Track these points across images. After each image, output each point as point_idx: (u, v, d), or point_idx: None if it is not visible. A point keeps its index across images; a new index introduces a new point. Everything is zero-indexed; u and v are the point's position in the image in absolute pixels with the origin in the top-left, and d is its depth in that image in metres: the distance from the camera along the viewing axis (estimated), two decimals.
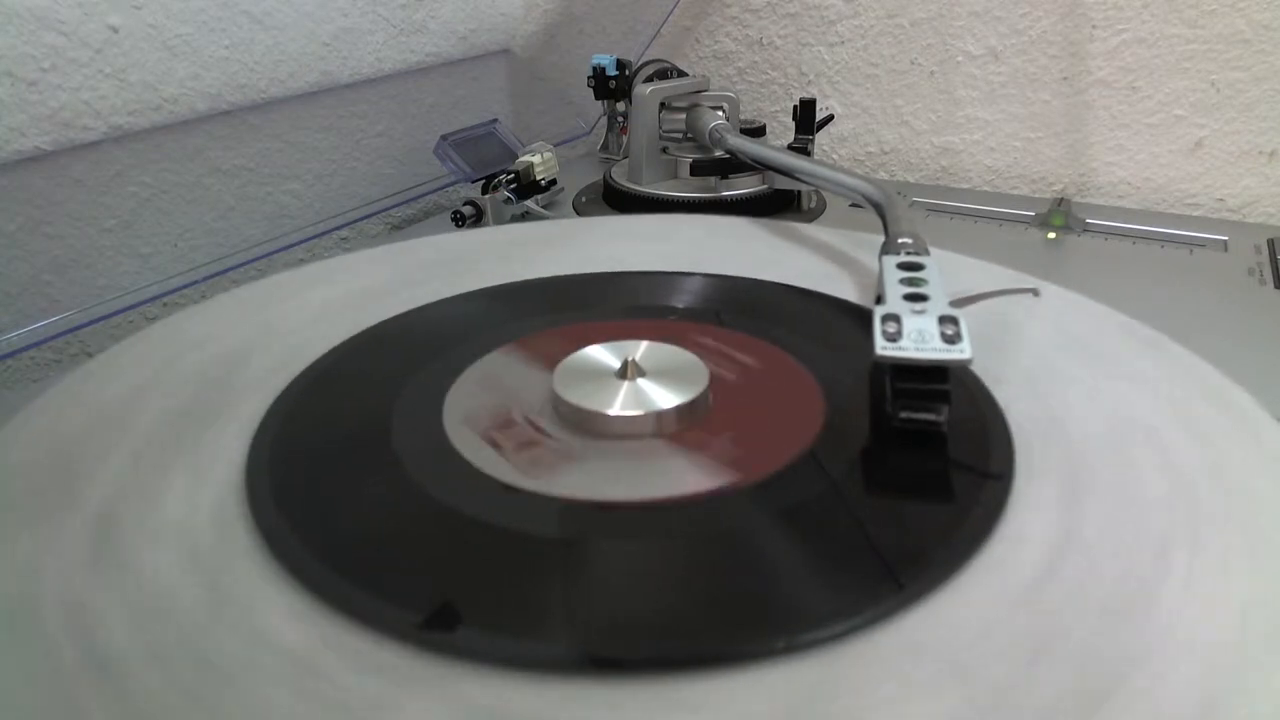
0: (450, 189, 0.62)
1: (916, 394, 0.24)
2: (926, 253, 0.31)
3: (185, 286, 0.46)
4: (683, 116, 0.53)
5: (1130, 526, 0.21)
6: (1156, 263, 0.45)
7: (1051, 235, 0.49)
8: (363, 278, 0.36)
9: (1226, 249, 0.47)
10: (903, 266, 0.28)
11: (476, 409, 0.26)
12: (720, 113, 0.52)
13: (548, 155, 0.54)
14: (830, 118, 0.60)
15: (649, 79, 0.60)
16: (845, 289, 0.34)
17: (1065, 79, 0.60)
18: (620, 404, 0.25)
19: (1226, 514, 0.21)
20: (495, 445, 0.25)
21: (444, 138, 0.54)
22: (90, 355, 0.45)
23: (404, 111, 0.59)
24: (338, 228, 0.56)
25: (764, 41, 0.71)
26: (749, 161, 0.49)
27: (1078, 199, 0.58)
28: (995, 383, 0.27)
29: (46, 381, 0.38)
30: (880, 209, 0.37)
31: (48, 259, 0.42)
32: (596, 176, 0.59)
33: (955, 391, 0.24)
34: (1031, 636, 0.17)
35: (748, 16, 0.71)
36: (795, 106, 0.54)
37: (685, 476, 0.23)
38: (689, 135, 0.54)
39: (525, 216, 0.51)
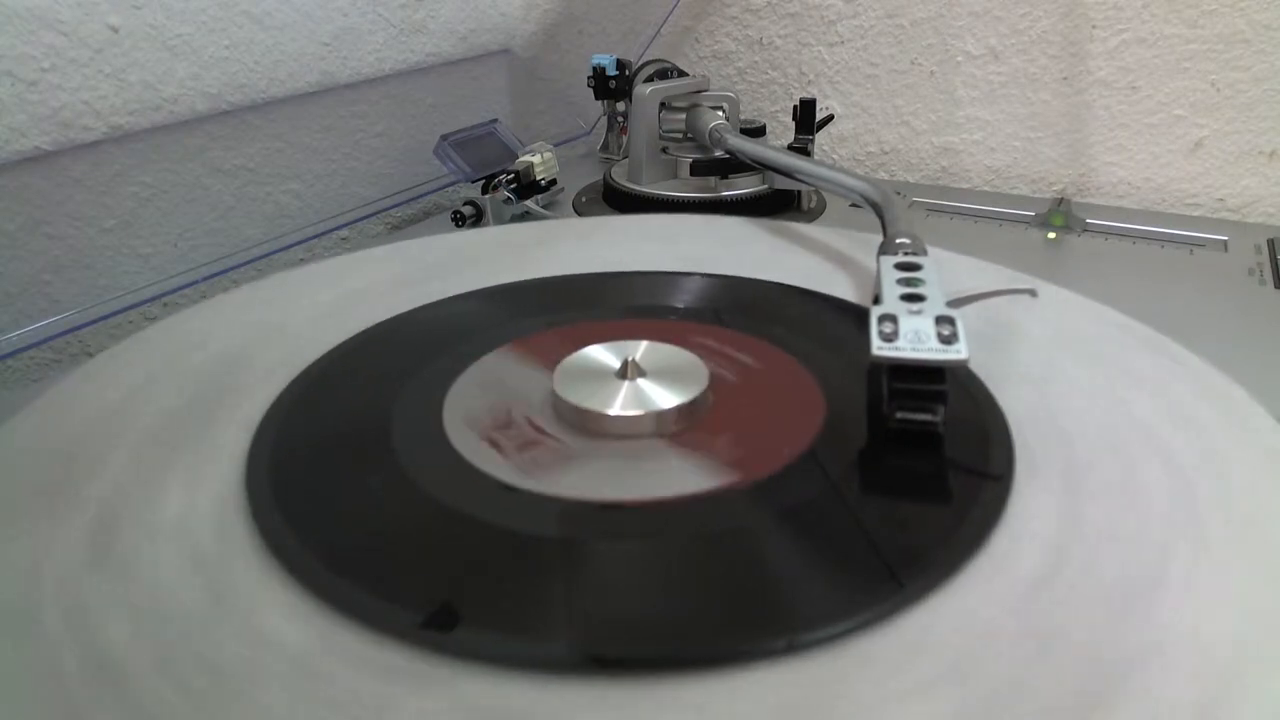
0: (450, 189, 0.62)
1: (913, 394, 0.24)
2: (924, 253, 0.31)
3: (185, 286, 0.46)
4: (683, 116, 0.53)
5: (1130, 526, 0.21)
6: (1156, 263, 0.45)
7: (1051, 235, 0.49)
8: (363, 277, 0.36)
9: (1226, 249, 0.47)
10: (900, 267, 0.28)
11: (476, 409, 0.27)
12: (720, 113, 0.52)
13: (548, 155, 0.54)
14: (830, 118, 0.60)
15: (649, 79, 0.60)
16: (844, 289, 0.34)
17: (1065, 79, 0.60)
18: (620, 404, 0.25)
19: (1226, 514, 0.21)
20: (495, 445, 0.25)
21: (444, 138, 0.54)
22: (90, 355, 0.45)
23: (404, 111, 0.59)
24: (338, 228, 0.56)
25: (764, 41, 0.71)
26: (749, 161, 0.49)
27: (1078, 199, 0.58)
28: (994, 383, 0.27)
29: (46, 381, 0.38)
30: (878, 209, 0.37)
31: (48, 259, 0.42)
32: (596, 176, 0.59)
33: (955, 391, 0.24)
34: (1031, 636, 0.17)
35: (748, 16, 0.71)
36: (795, 106, 0.54)
37: (685, 476, 0.23)
38: (689, 135, 0.54)
39: (525, 216, 0.51)
